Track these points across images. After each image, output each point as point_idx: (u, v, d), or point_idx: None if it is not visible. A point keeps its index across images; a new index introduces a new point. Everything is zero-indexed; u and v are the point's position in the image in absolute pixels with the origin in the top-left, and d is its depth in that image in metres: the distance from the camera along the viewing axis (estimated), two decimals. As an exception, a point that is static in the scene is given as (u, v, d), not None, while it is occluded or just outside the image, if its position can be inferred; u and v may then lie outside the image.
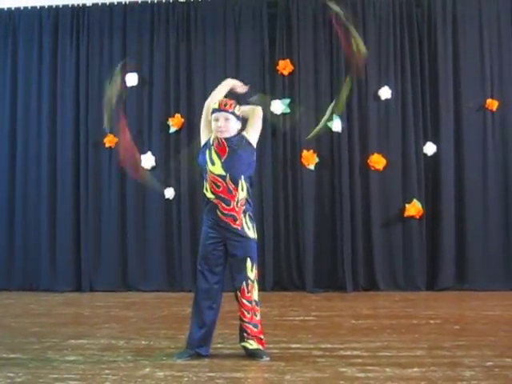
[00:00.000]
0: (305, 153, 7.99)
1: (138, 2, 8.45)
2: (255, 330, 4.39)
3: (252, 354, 4.37)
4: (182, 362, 4.29)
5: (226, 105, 4.45)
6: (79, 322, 6.06)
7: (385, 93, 7.99)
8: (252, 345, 4.38)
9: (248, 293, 4.38)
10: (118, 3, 8.49)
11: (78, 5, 8.54)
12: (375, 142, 8.01)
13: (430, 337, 5.04)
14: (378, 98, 8.03)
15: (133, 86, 8.30)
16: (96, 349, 4.79)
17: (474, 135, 7.94)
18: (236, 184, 4.35)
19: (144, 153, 8.17)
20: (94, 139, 8.39)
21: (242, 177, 4.39)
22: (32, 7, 8.61)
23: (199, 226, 4.60)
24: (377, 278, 7.85)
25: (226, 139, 4.38)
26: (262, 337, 4.44)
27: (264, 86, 8.01)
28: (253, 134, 4.54)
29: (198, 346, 4.41)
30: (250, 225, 4.44)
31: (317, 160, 8.03)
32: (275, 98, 8.02)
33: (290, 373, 3.99)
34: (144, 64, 8.44)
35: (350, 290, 7.76)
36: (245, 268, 4.38)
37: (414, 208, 7.80)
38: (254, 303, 4.41)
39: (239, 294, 4.39)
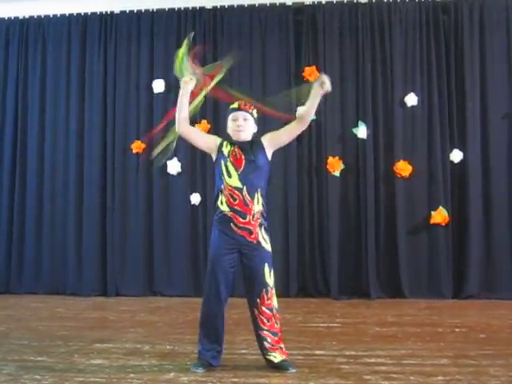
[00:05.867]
0: (330, 159, 7.98)
1: (165, 9, 8.54)
2: (275, 338, 4.29)
3: (278, 367, 4.25)
4: (202, 372, 4.22)
5: (245, 105, 4.44)
6: (105, 326, 6.11)
7: (411, 99, 7.95)
8: (276, 357, 4.28)
9: (268, 300, 4.26)
10: (146, 10, 8.57)
11: (106, 12, 8.65)
12: (401, 149, 7.96)
13: (456, 345, 5.00)
14: (404, 104, 7.99)
15: (159, 93, 8.38)
16: (121, 353, 4.84)
17: (501, 142, 7.87)
18: (252, 197, 4.26)
19: (170, 159, 8.23)
20: (121, 145, 8.47)
21: (259, 189, 4.30)
22: (61, 15, 8.74)
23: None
24: (402, 285, 7.78)
25: (242, 149, 4.33)
26: (282, 346, 4.33)
27: (289, 93, 8.04)
28: (275, 142, 4.43)
29: (211, 357, 4.31)
30: (266, 237, 4.33)
31: (342, 166, 8.02)
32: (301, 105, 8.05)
33: (313, 379, 4.00)
34: (171, 70, 8.43)
35: (374, 297, 7.71)
36: (263, 275, 4.26)
37: (440, 215, 7.74)
38: (274, 311, 4.31)
39: (259, 302, 4.26)
